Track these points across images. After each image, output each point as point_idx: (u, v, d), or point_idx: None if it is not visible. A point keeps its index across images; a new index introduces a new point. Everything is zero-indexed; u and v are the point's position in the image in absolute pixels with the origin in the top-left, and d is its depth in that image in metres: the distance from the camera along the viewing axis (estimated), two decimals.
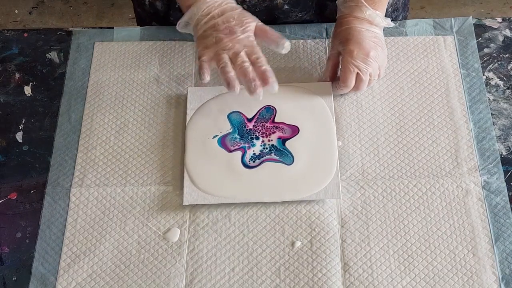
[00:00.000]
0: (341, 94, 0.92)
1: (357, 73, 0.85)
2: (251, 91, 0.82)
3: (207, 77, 0.83)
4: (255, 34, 0.84)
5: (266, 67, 0.82)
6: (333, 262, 0.78)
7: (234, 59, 0.82)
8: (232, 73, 0.82)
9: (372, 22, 0.87)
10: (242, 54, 0.82)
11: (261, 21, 0.85)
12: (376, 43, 0.86)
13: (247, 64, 0.81)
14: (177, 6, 0.84)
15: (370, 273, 0.78)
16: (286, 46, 0.84)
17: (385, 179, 0.85)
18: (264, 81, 0.82)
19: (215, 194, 0.82)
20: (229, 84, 0.82)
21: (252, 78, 0.81)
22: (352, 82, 0.86)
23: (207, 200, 0.82)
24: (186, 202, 0.82)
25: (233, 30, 0.83)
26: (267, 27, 0.85)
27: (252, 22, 0.85)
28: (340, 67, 0.87)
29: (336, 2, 0.91)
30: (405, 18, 1.10)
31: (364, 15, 0.86)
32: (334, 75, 0.91)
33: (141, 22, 1.12)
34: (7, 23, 2.15)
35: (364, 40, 0.85)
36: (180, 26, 0.87)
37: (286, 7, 0.99)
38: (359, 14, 0.87)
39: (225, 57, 0.82)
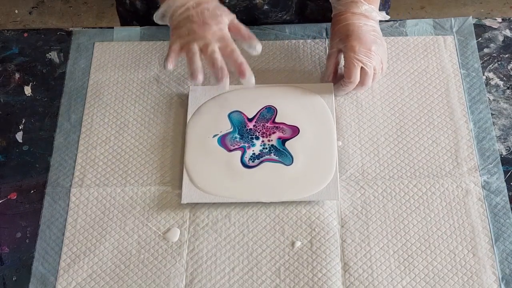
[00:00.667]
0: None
1: (361, 68, 0.85)
2: (218, 79, 0.81)
3: (169, 66, 0.82)
4: (229, 30, 0.83)
5: (242, 60, 0.81)
6: (333, 262, 0.78)
7: (204, 50, 0.81)
8: (198, 64, 0.80)
9: (368, 17, 0.87)
10: (213, 44, 0.80)
11: (241, 21, 0.84)
12: (376, 36, 0.87)
13: (217, 54, 0.80)
14: (158, 6, 0.84)
15: (370, 273, 0.78)
16: (257, 48, 0.83)
17: (385, 179, 0.85)
18: (241, 74, 0.81)
19: (214, 193, 0.82)
20: (192, 74, 0.81)
21: (220, 67, 0.80)
22: (357, 77, 0.86)
23: (205, 199, 0.82)
24: (184, 200, 0.82)
25: (207, 21, 0.81)
26: (241, 25, 0.84)
27: (226, 17, 0.83)
28: (344, 64, 0.87)
29: (330, 0, 0.91)
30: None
31: (361, 10, 0.87)
32: (336, 73, 0.91)
33: (122, 21, 1.12)
34: (7, 23, 2.15)
35: (364, 34, 0.86)
36: (156, 17, 0.86)
37: (266, 7, 0.99)
38: (356, 10, 0.87)
39: (195, 47, 0.81)
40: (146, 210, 0.83)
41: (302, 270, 0.78)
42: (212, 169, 0.84)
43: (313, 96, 0.90)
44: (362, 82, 0.87)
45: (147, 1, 1.02)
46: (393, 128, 0.89)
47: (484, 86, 0.93)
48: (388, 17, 0.91)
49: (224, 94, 0.91)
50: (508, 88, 0.93)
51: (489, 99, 0.92)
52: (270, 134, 0.87)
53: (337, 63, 0.90)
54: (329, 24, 0.98)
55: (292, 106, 0.89)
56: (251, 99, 0.90)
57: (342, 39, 0.87)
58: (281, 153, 0.85)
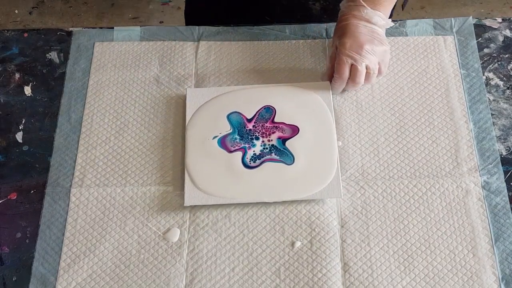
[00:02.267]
0: (341, 94, 0.92)
1: (353, 65, 0.86)
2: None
3: None
4: None
5: None
6: (333, 262, 0.78)
7: None
8: None
9: (369, 20, 0.87)
10: None
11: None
12: (374, 37, 0.87)
13: None
14: None
15: (370, 273, 0.78)
16: None
17: (385, 179, 0.85)
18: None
19: (216, 194, 0.82)
20: None
21: None
22: (346, 73, 0.86)
23: (208, 201, 0.82)
24: (187, 203, 0.82)
25: None
26: None
27: None
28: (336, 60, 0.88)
29: (340, 4, 0.92)
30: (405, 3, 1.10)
31: (362, 14, 0.87)
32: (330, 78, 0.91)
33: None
34: (7, 23, 2.15)
35: (360, 34, 0.86)
36: None
37: None
38: (357, 13, 0.88)
39: None
40: (146, 210, 0.83)
41: (302, 270, 0.78)
42: (214, 170, 0.84)
43: (311, 94, 0.90)
44: (352, 79, 0.87)
45: None
46: (393, 128, 0.89)
47: (484, 86, 0.93)
48: (391, 24, 0.91)
49: (222, 95, 0.91)
50: (508, 88, 0.93)
51: (489, 99, 0.92)
52: (270, 134, 0.87)
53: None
54: (329, 24, 0.99)
55: (290, 105, 0.89)
56: (249, 100, 0.90)
57: (339, 37, 0.88)
58: (282, 153, 0.85)
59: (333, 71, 0.90)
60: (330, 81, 0.91)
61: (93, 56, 0.98)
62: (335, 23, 0.92)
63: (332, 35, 0.93)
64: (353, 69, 0.86)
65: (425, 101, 0.91)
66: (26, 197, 0.85)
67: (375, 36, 0.87)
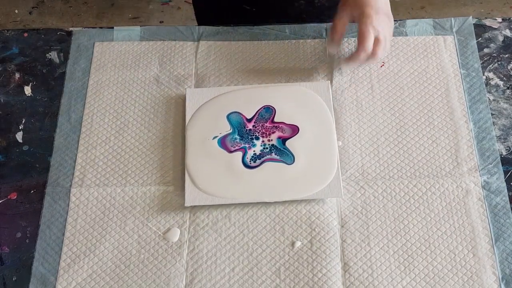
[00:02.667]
0: (341, 94, 0.92)
1: (376, 37, 0.84)
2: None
3: None
4: None
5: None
6: (333, 262, 0.78)
7: None
8: None
9: None
10: None
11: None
12: (388, 9, 0.87)
13: None
14: None
15: (370, 273, 0.78)
16: None
17: (385, 179, 0.85)
18: None
19: (217, 195, 0.82)
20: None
21: None
22: (371, 45, 0.84)
23: (209, 201, 0.82)
24: (188, 203, 0.82)
25: None
26: None
27: None
28: (358, 31, 0.85)
29: None
30: None
31: None
32: (340, 42, 0.90)
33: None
34: (7, 23, 2.15)
35: (381, 4, 0.85)
36: None
37: None
38: None
39: None
40: (146, 210, 0.83)
41: (302, 270, 0.78)
42: (214, 171, 0.84)
43: (311, 94, 0.90)
44: (374, 52, 0.85)
45: None
46: (393, 128, 0.89)
47: (484, 86, 0.93)
48: None
49: (221, 95, 0.91)
50: (508, 88, 0.93)
51: (489, 99, 0.92)
52: (269, 134, 0.87)
53: (343, 32, 0.88)
54: (329, 24, 0.99)
55: (290, 105, 0.89)
56: (248, 100, 0.90)
57: (358, 5, 0.85)
58: (282, 153, 0.85)
59: (339, 37, 0.88)
60: (328, 81, 0.90)
61: (93, 56, 0.98)
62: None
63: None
64: (376, 42, 0.84)
65: (425, 101, 0.91)
66: (26, 197, 0.85)
67: (388, 12, 0.87)
